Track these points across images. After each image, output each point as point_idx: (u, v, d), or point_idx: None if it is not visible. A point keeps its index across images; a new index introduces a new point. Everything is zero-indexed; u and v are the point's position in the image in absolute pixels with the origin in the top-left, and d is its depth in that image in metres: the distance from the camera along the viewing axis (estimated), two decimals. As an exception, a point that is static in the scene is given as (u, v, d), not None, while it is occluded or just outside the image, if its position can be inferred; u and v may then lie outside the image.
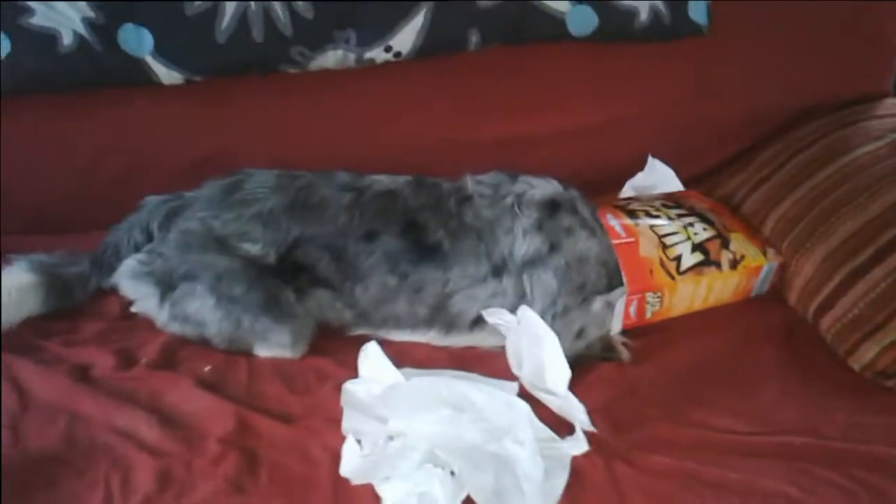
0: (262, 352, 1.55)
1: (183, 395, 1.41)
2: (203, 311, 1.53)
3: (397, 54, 1.83)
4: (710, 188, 1.95)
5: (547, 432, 1.31)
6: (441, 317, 1.59)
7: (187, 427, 1.34)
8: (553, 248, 1.57)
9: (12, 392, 1.38)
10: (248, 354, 1.55)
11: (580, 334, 1.56)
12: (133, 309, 1.61)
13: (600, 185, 1.97)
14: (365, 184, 1.63)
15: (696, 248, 1.62)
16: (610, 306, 1.58)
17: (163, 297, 1.55)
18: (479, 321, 1.58)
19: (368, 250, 1.56)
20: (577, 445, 1.29)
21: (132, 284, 1.59)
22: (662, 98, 2.03)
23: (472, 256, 1.56)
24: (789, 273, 1.68)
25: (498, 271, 1.57)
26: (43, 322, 1.60)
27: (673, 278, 1.58)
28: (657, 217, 1.66)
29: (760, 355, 1.56)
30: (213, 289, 1.52)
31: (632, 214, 1.66)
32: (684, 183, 1.93)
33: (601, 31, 1.88)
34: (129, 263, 1.60)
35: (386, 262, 1.56)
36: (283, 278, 1.56)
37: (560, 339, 1.44)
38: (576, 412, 1.34)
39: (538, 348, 1.41)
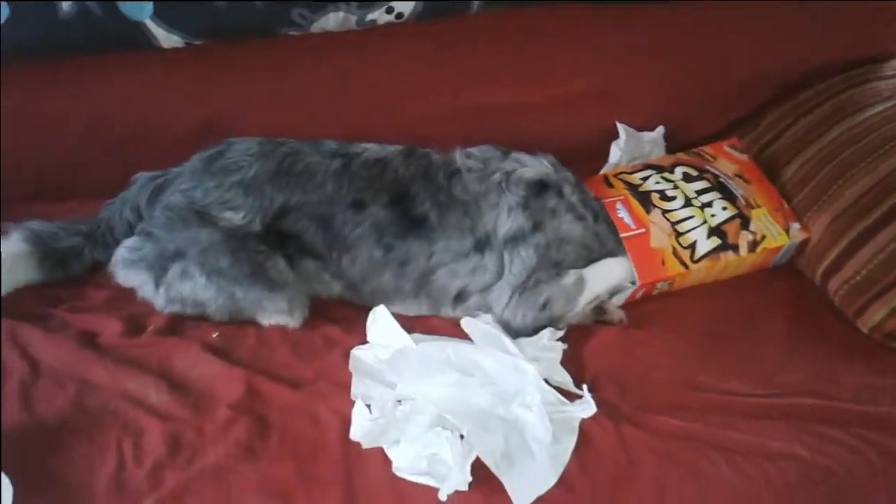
0: (265, 320, 1.55)
1: (192, 362, 1.42)
2: (197, 291, 1.52)
3: (399, 15, 1.80)
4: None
5: (555, 396, 1.32)
6: (425, 292, 1.58)
7: (197, 393, 1.35)
8: (536, 226, 1.57)
9: (21, 359, 1.39)
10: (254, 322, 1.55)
11: (545, 306, 1.54)
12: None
13: (607, 150, 1.96)
14: (354, 151, 1.61)
15: (713, 231, 1.59)
16: (581, 281, 1.56)
17: (157, 282, 1.54)
18: (461, 297, 1.58)
19: (356, 220, 1.55)
20: (586, 408, 1.30)
21: (126, 274, 1.57)
22: (669, 61, 2.00)
23: (457, 230, 1.56)
24: (798, 235, 1.67)
25: (481, 246, 1.57)
26: (50, 289, 1.60)
27: (687, 267, 1.56)
28: (672, 199, 1.62)
29: (768, 318, 1.57)
30: (201, 265, 1.51)
31: (645, 199, 1.62)
32: (693, 144, 1.91)
33: (605, -8, 1.85)
34: (121, 252, 1.57)
35: (373, 234, 1.55)
36: (270, 245, 1.54)
37: (524, 310, 1.50)
38: (566, 384, 1.36)
39: (498, 349, 1.40)
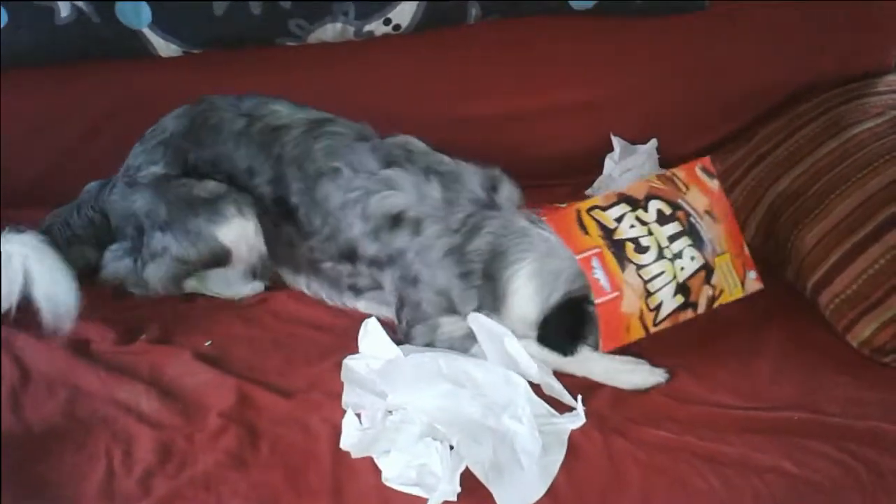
0: (223, 235, 1.59)
1: (183, 369, 1.42)
2: (159, 241, 1.59)
3: (396, 27, 1.81)
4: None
5: (545, 408, 1.32)
6: (318, 275, 1.62)
7: (188, 401, 1.35)
8: (389, 260, 1.53)
9: (12, 366, 1.39)
10: (246, 324, 1.57)
11: (433, 343, 1.50)
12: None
13: (601, 160, 1.97)
14: (262, 113, 1.64)
15: (679, 289, 1.45)
16: (466, 330, 1.45)
17: (135, 260, 1.63)
18: (355, 290, 1.61)
19: (249, 185, 1.61)
20: (576, 420, 1.30)
21: (113, 267, 1.65)
22: (663, 74, 2.02)
23: (322, 234, 1.57)
24: (788, 249, 1.68)
25: (349, 257, 1.57)
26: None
27: (648, 331, 1.45)
28: (646, 250, 1.45)
29: (758, 331, 1.57)
30: (152, 225, 1.60)
31: (619, 251, 1.44)
32: (686, 157, 1.89)
33: (602, 5, 1.86)
34: (106, 255, 1.67)
35: (261, 205, 1.61)
36: (192, 178, 1.62)
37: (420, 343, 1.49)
38: (559, 393, 1.36)
39: (499, 345, 1.39)
